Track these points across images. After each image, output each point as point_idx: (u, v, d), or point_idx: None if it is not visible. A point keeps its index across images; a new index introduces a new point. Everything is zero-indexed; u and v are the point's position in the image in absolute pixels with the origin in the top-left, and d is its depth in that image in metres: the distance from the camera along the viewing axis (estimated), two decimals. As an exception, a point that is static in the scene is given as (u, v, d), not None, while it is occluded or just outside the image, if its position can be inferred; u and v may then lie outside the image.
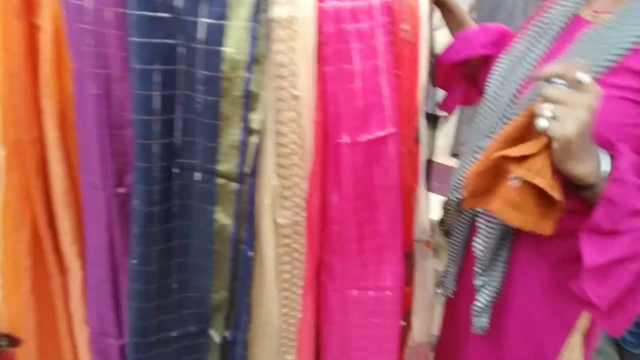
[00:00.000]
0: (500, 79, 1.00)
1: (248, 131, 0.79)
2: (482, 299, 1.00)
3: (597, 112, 0.70)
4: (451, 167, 1.15)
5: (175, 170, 0.84)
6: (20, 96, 0.86)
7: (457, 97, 1.31)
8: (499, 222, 0.93)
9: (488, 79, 1.04)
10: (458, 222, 1.08)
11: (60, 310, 1.12)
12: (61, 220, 1.01)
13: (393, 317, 1.01)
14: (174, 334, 0.97)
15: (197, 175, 0.83)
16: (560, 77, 0.71)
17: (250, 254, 0.86)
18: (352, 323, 1.01)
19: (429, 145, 1.11)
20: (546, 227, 0.79)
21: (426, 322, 1.23)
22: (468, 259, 1.08)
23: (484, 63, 1.18)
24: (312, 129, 0.85)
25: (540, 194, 0.76)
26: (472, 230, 1.04)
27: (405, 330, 1.16)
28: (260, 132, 0.79)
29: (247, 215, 0.85)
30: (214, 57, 0.74)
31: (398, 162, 0.95)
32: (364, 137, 0.89)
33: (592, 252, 0.77)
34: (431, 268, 1.20)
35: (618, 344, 2.31)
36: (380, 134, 0.90)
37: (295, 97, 0.80)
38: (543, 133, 0.71)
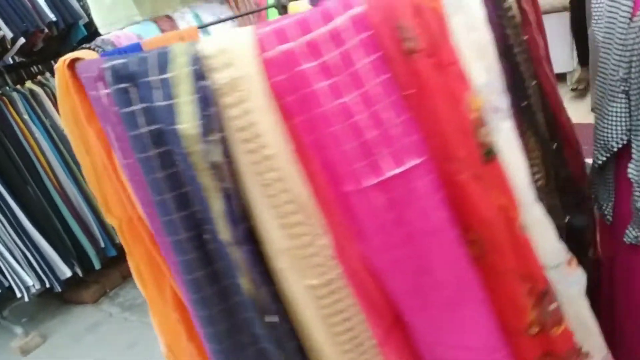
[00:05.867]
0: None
1: (229, 198, 0.76)
2: None
3: None
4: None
5: (205, 236, 0.87)
6: (115, 183, 1.04)
7: None
8: None
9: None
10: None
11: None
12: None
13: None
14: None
15: (217, 243, 0.85)
16: None
17: (271, 318, 0.82)
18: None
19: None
20: None
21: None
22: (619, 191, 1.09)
23: None
24: (303, 184, 0.75)
25: None
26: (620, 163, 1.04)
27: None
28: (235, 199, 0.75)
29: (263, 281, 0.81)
30: (177, 136, 0.75)
31: (439, 197, 0.75)
32: (372, 181, 0.74)
33: None
34: (582, 295, 0.90)
35: None
36: (396, 171, 0.74)
37: (268, 157, 0.73)
38: None
